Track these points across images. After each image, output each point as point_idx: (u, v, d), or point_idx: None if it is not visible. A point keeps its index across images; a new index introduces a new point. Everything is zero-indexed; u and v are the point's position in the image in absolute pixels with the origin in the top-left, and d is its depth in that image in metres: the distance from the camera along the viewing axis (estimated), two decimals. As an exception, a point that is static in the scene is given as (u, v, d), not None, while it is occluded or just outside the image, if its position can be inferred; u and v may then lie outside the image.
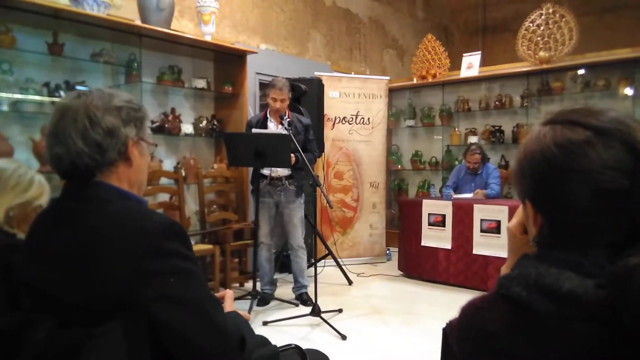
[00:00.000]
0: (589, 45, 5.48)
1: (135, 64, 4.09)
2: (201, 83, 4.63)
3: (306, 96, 4.66)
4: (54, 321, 1.02)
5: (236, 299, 4.24)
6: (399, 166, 6.80)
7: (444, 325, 0.83)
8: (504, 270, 0.92)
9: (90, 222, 1.05)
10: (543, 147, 0.74)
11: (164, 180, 4.26)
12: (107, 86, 4.00)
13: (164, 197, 4.30)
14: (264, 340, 1.47)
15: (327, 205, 3.66)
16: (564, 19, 5.32)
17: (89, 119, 1.08)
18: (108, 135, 1.09)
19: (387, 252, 5.86)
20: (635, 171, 0.67)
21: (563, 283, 0.67)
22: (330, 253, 4.92)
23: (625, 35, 5.79)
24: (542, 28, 5.42)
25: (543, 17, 5.42)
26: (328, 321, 3.49)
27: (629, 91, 5.13)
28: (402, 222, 5.09)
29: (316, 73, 5.47)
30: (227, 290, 1.40)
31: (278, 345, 1.41)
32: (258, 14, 5.42)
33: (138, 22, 3.98)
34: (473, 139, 6.05)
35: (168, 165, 4.50)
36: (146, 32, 4.01)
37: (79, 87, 3.73)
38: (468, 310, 0.79)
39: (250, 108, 4.89)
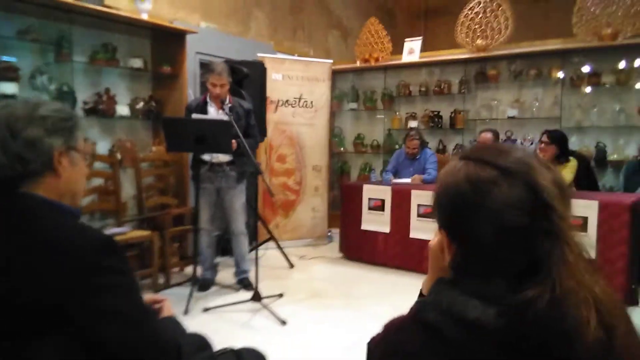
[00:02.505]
0: (522, 32, 5.67)
1: (66, 42, 3.87)
2: (137, 62, 4.44)
3: (248, 79, 4.58)
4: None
5: (176, 284, 4.21)
6: (342, 148, 6.86)
7: (377, 323, 0.88)
8: (425, 284, 0.99)
9: (21, 240, 1.03)
10: (457, 181, 0.78)
11: (97, 164, 4.10)
12: (35, 65, 3.78)
13: (98, 181, 4.14)
14: (202, 343, 1.46)
15: (269, 192, 3.65)
16: (500, 8, 5.48)
17: (9, 130, 1.06)
18: (29, 147, 1.07)
19: (329, 234, 5.95)
20: (534, 209, 0.72)
21: (470, 311, 0.72)
22: (272, 238, 4.93)
23: (556, 25, 6.01)
24: (480, 16, 5.56)
25: (481, 5, 5.56)
26: (269, 306, 3.53)
27: (560, 74, 5.34)
28: (344, 205, 5.16)
29: (259, 55, 5.39)
30: (165, 298, 1.42)
31: (215, 346, 1.43)
32: (198, -9, 5.24)
33: (68, -2, 3.76)
34: (413, 124, 6.18)
35: (102, 148, 4.31)
36: (77, 8, 3.79)
37: (4, 58, 3.50)
38: (390, 329, 0.84)
39: (190, 89, 4.76)
